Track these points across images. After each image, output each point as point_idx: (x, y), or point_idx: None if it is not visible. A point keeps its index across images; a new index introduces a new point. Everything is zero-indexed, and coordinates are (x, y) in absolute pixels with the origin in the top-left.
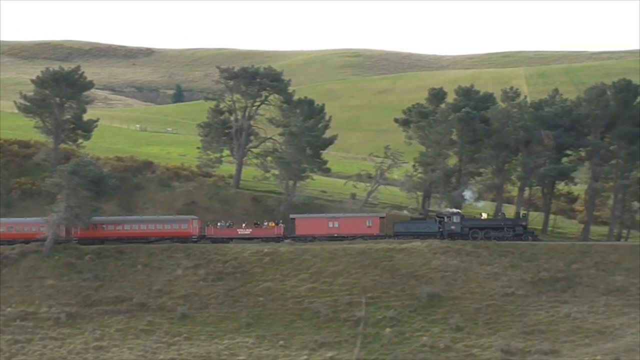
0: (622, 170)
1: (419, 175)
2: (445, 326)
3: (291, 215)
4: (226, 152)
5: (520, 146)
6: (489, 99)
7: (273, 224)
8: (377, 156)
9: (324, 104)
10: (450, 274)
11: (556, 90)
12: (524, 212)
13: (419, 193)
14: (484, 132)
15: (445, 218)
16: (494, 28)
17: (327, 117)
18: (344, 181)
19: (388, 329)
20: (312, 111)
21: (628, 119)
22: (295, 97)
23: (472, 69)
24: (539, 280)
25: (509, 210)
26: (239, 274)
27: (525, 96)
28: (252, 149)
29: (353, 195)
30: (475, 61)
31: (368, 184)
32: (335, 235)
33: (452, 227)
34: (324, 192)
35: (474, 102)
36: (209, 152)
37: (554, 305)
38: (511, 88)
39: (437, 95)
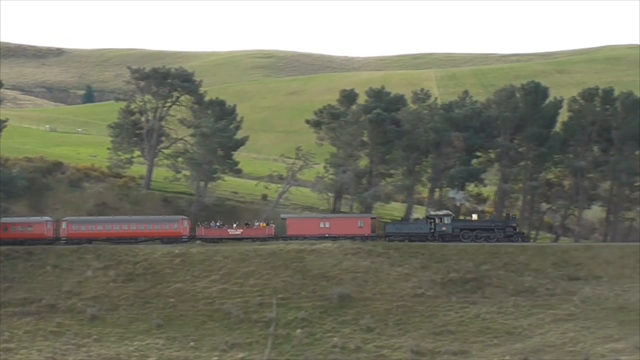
0: (530, 171)
1: (330, 176)
2: (355, 327)
3: (282, 215)
4: (137, 153)
5: (431, 147)
6: (399, 101)
7: (264, 224)
8: (288, 157)
9: (235, 105)
10: (361, 275)
11: (466, 92)
12: (513, 213)
13: (330, 194)
14: (395, 134)
15: (437, 219)
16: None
17: (238, 118)
18: (255, 182)
19: (299, 330)
20: (224, 112)
21: (537, 121)
22: (207, 98)
23: (383, 71)
24: (448, 281)
25: (419, 212)
26: (150, 275)
27: (436, 98)
28: (163, 150)
29: (264, 197)
30: (386, 63)
31: (279, 185)
32: (327, 235)
33: (443, 228)
34: (235, 193)
35: (384, 103)
36: (119, 152)
37: (464, 306)
38: (422, 90)
39: (348, 97)
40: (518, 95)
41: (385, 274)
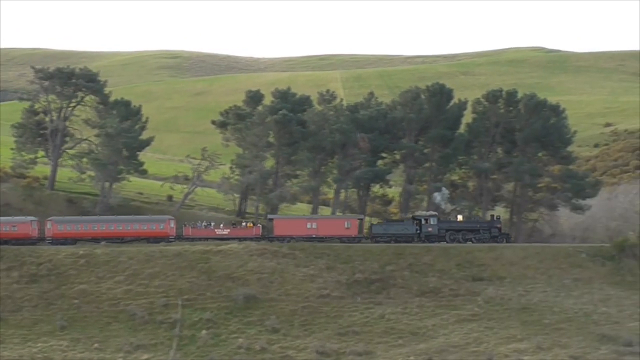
0: (435, 173)
1: (236, 177)
2: (261, 328)
3: (269, 216)
4: (41, 153)
5: (337, 149)
6: (305, 102)
7: (251, 224)
8: (194, 158)
9: (140, 106)
10: (267, 276)
11: (372, 93)
12: (498, 214)
13: (235, 195)
14: (301, 135)
15: (423, 220)
16: (310, 31)
17: (143, 119)
18: (160, 183)
19: (204, 331)
20: (129, 112)
21: (441, 123)
22: (112, 98)
23: (289, 72)
24: (354, 282)
25: (325, 212)
26: (54, 276)
27: (342, 99)
28: (67, 150)
29: (170, 197)
30: (292, 64)
31: (185, 186)
32: (314, 236)
33: (430, 229)
34: (141, 193)
35: (290, 104)
36: (23, 153)
37: (369, 307)
38: (327, 91)
39: (254, 98)
40: (423, 96)
41: (290, 274)
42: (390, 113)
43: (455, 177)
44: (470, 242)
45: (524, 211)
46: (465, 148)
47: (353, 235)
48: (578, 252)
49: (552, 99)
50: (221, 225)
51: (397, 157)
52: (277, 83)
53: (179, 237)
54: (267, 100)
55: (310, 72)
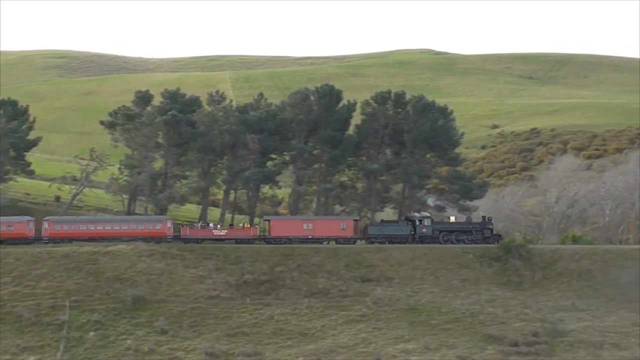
0: (324, 174)
1: (125, 177)
2: (150, 329)
3: (266, 217)
4: None
5: (226, 150)
6: (195, 103)
7: (248, 225)
8: (82, 158)
9: (28, 106)
10: (156, 277)
11: (261, 94)
12: (488, 215)
13: (124, 196)
14: (190, 136)
15: (417, 221)
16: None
17: (31, 119)
18: (48, 183)
19: (92, 333)
20: (16, 112)
21: (330, 124)
22: None
23: (179, 72)
24: (243, 283)
25: (214, 214)
26: None
27: (231, 100)
28: None
29: (57, 198)
30: (181, 64)
31: (73, 187)
32: (310, 237)
33: (424, 230)
34: (28, 194)
35: (180, 105)
36: None
37: (258, 308)
38: (217, 92)
39: (143, 98)
40: (312, 98)
41: (179, 275)
42: (279, 114)
43: (344, 179)
44: (462, 243)
45: (413, 212)
46: (354, 149)
47: (349, 236)
48: (465, 253)
49: (440, 101)
50: (218, 226)
51: (287, 158)
52: (167, 84)
53: (176, 238)
54: (156, 100)
55: (200, 72)
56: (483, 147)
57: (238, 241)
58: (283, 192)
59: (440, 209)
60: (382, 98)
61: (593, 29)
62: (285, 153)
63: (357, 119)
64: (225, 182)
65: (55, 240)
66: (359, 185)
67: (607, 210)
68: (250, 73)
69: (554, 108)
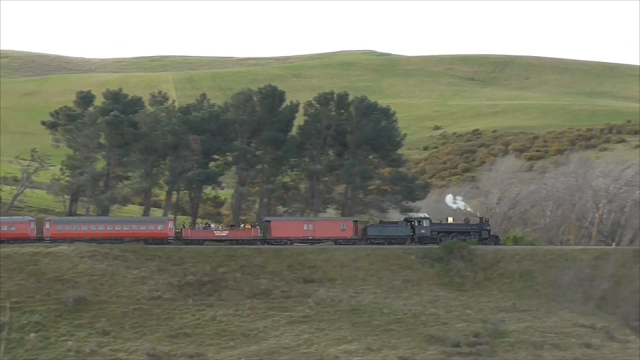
0: (267, 175)
1: (67, 178)
2: (91, 330)
3: (266, 218)
4: None
5: (169, 150)
6: (137, 103)
7: (249, 226)
8: (23, 159)
9: None
10: (97, 278)
11: (204, 95)
12: (487, 217)
13: (66, 196)
14: (133, 136)
15: (416, 222)
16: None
17: None
18: None
19: (33, 334)
20: None
21: (273, 125)
22: None
23: (121, 73)
24: (185, 284)
25: (157, 215)
26: None
27: (174, 101)
28: None
29: None
30: (124, 65)
31: (14, 187)
32: (310, 237)
33: (423, 231)
34: None
35: (122, 105)
36: None
37: (200, 309)
38: (159, 92)
39: (85, 99)
40: (255, 99)
41: (121, 276)
42: (222, 115)
43: (287, 179)
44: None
45: (355, 213)
46: (297, 150)
47: (349, 237)
48: (407, 254)
49: (383, 102)
50: (220, 226)
51: (230, 159)
52: (109, 84)
53: (178, 238)
54: (98, 101)
55: (142, 73)
56: (425, 148)
57: (239, 242)
58: (226, 193)
59: (382, 210)
60: (324, 99)
61: (535, 31)
62: (227, 154)
63: (299, 120)
64: (168, 183)
65: (57, 240)
66: (302, 186)
67: (548, 212)
68: (193, 74)
69: (495, 109)
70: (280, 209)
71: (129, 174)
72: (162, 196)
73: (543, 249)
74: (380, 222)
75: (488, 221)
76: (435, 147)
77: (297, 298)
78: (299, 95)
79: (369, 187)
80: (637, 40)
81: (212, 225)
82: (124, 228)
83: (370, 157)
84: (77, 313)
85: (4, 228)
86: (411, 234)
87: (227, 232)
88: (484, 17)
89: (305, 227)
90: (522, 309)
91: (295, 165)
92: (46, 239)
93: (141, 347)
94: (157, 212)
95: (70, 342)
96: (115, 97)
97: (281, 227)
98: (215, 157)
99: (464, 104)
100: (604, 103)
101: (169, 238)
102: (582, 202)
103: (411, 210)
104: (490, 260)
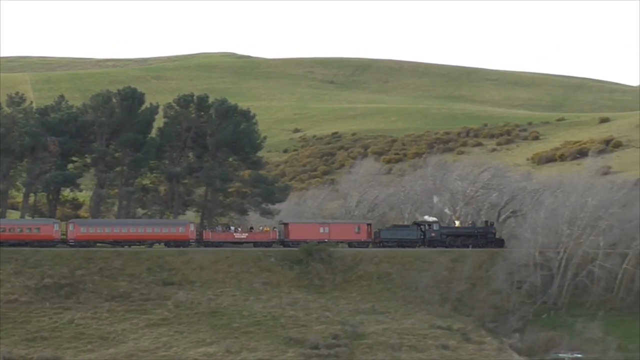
0: (126, 177)
1: None
2: None
3: (284, 220)
4: None
5: (26, 152)
6: None
7: (267, 229)
8: None
9: None
10: None
11: (62, 96)
12: (492, 221)
13: None
14: None
15: (426, 226)
16: None
17: None
18: None
19: None
20: None
21: (133, 127)
22: None
23: None
24: (42, 287)
25: (14, 217)
26: None
27: (31, 102)
28: None
29: None
30: None
31: None
32: (326, 240)
33: (432, 234)
34: None
35: None
36: None
37: (58, 312)
38: (17, 93)
39: None
40: (114, 100)
41: None
42: (81, 116)
43: (146, 182)
44: (468, 247)
45: (215, 215)
46: (156, 152)
47: (363, 240)
48: (267, 256)
49: (243, 105)
50: (239, 229)
51: (88, 160)
52: None
53: (199, 241)
54: None
55: None
56: (285, 151)
57: (257, 244)
58: (84, 195)
59: (243, 212)
60: (184, 101)
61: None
62: (86, 156)
63: (159, 122)
64: (25, 185)
65: (81, 242)
66: (162, 188)
67: (406, 214)
68: (51, 75)
69: (355, 112)
70: (140, 211)
71: None
72: (19, 198)
73: (401, 251)
74: (393, 225)
75: (493, 225)
76: (295, 150)
77: (156, 301)
78: (159, 97)
79: (229, 190)
80: (494, 44)
81: (232, 228)
82: (147, 230)
83: (230, 159)
84: None
85: (29, 230)
86: (422, 237)
87: (247, 234)
88: (343, 20)
89: (321, 230)
90: (380, 311)
91: (155, 167)
92: (70, 241)
93: None
94: (14, 214)
95: None
96: None
97: (298, 230)
98: (74, 159)
99: (323, 107)
100: (461, 107)
101: (190, 240)
102: (440, 204)
103: (270, 213)
104: (350, 262)
